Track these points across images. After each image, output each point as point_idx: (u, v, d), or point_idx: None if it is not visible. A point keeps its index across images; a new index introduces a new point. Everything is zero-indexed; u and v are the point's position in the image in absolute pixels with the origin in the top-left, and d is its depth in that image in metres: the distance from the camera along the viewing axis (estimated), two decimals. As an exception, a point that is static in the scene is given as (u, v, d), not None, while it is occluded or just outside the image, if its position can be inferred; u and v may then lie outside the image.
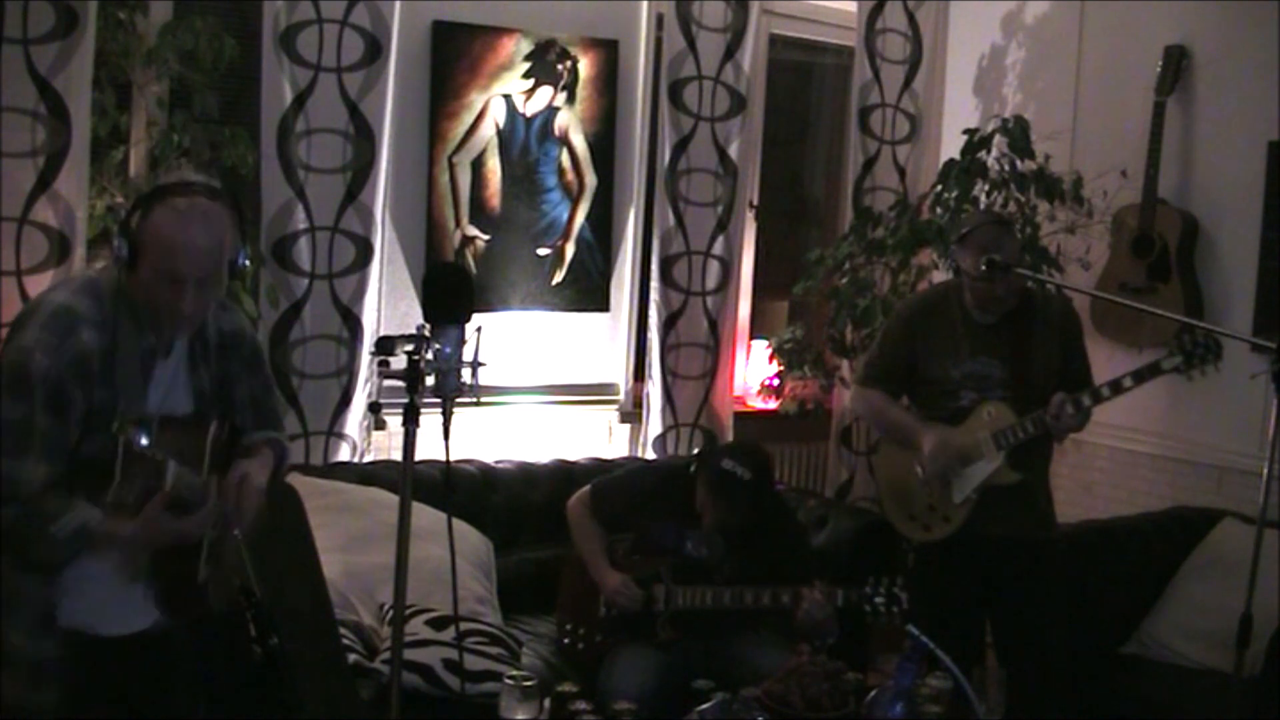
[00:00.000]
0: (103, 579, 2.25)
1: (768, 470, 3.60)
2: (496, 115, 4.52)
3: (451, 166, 4.47)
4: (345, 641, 3.30)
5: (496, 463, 4.35)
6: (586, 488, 3.75)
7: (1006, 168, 4.59)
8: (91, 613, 2.27)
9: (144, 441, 2.09)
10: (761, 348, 5.23)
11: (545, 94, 4.61)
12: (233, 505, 2.33)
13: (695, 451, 3.80)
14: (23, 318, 2.26)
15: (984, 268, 3.29)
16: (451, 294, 2.40)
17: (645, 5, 4.85)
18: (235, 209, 2.33)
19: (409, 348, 2.29)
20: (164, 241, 2.22)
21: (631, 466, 3.92)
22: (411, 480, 2.31)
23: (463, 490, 4.11)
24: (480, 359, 2.39)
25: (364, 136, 4.16)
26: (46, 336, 2.19)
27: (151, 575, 2.29)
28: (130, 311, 2.28)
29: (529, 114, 4.58)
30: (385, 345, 2.31)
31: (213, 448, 2.33)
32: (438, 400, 2.35)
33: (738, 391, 5.21)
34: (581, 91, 4.68)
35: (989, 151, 4.61)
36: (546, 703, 2.81)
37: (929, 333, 3.52)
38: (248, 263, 2.37)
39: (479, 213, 4.53)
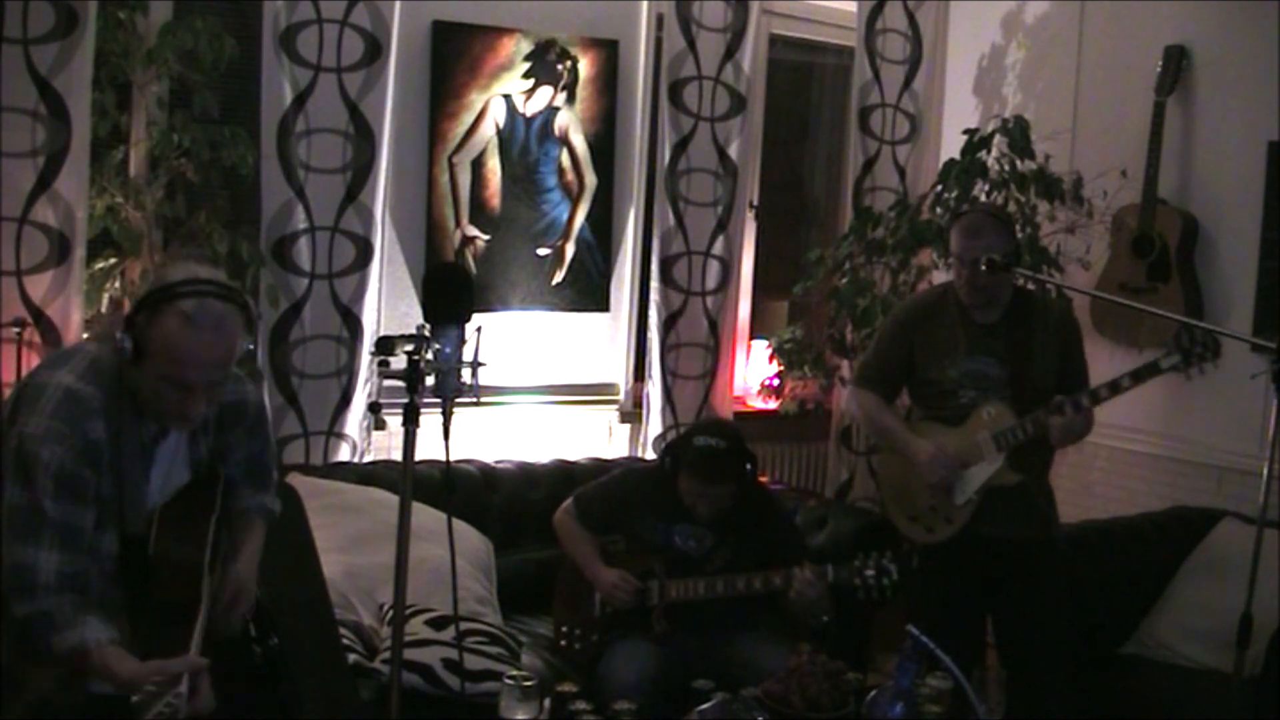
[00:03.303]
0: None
1: (740, 437, 3.62)
2: (496, 115, 4.52)
3: (451, 166, 4.47)
4: (345, 641, 3.30)
5: (496, 463, 4.35)
6: (569, 499, 3.77)
7: (1006, 168, 4.59)
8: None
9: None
10: (761, 348, 5.23)
11: (545, 94, 4.61)
12: (223, 611, 2.31)
13: (664, 447, 3.81)
14: (27, 400, 2.15)
15: (984, 267, 3.29)
16: (451, 294, 2.40)
17: (645, 5, 4.85)
18: (245, 306, 2.24)
19: (409, 348, 2.29)
20: (173, 350, 2.13)
21: (612, 473, 3.95)
22: (411, 480, 2.31)
23: (463, 490, 4.11)
24: (480, 359, 2.39)
25: (364, 136, 4.16)
26: (57, 425, 2.11)
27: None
28: (132, 399, 2.21)
29: (529, 114, 4.58)
30: (385, 345, 2.30)
31: (212, 547, 2.29)
32: (438, 400, 2.35)
33: (738, 391, 5.21)
34: (581, 91, 4.68)
35: (989, 151, 4.61)
36: (546, 703, 2.81)
37: (926, 333, 3.51)
38: (252, 347, 2.31)
39: (479, 213, 4.53)
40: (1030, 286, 3.70)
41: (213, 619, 2.29)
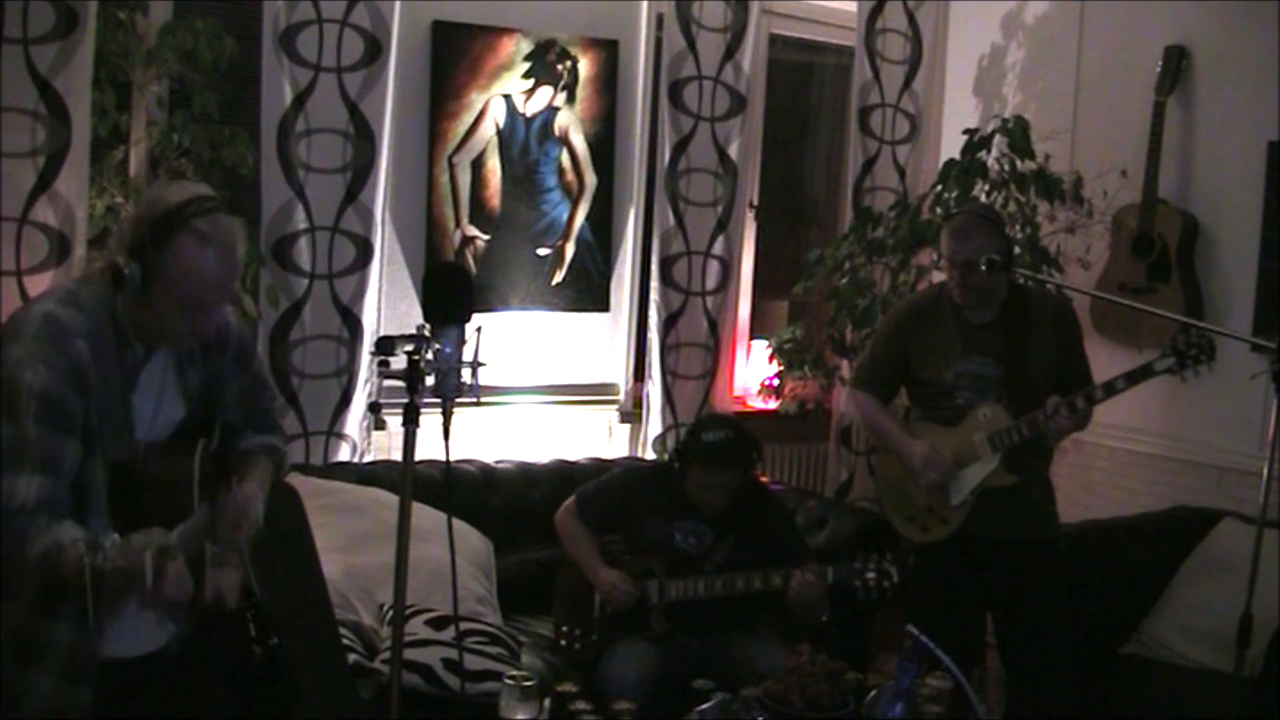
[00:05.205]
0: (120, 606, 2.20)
1: (743, 426, 3.65)
2: (496, 115, 4.52)
3: (451, 166, 4.47)
4: (345, 641, 3.30)
5: (496, 463, 4.35)
6: (571, 498, 3.78)
7: (1006, 168, 4.59)
8: (112, 638, 2.22)
9: (104, 559, 1.95)
10: (761, 348, 5.23)
11: (545, 94, 4.61)
12: (229, 530, 2.29)
13: (671, 451, 3.82)
14: (8, 334, 2.17)
15: (984, 267, 3.29)
16: (451, 294, 2.40)
17: (645, 5, 4.85)
18: (241, 213, 2.28)
19: (409, 348, 2.29)
20: (191, 271, 2.16)
21: (612, 471, 3.95)
22: (411, 480, 2.31)
23: (463, 490, 4.11)
24: (480, 359, 2.39)
25: (364, 136, 4.16)
26: (39, 347, 2.11)
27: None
28: (114, 325, 2.22)
29: (529, 114, 4.58)
30: (385, 345, 2.31)
31: (200, 469, 2.29)
32: (438, 400, 2.35)
33: (738, 391, 5.22)
34: (581, 91, 4.68)
35: (989, 151, 4.61)
36: (546, 703, 2.81)
37: (922, 334, 3.52)
38: (245, 263, 2.35)
39: (479, 213, 4.53)
40: (1027, 285, 3.69)
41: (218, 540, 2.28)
